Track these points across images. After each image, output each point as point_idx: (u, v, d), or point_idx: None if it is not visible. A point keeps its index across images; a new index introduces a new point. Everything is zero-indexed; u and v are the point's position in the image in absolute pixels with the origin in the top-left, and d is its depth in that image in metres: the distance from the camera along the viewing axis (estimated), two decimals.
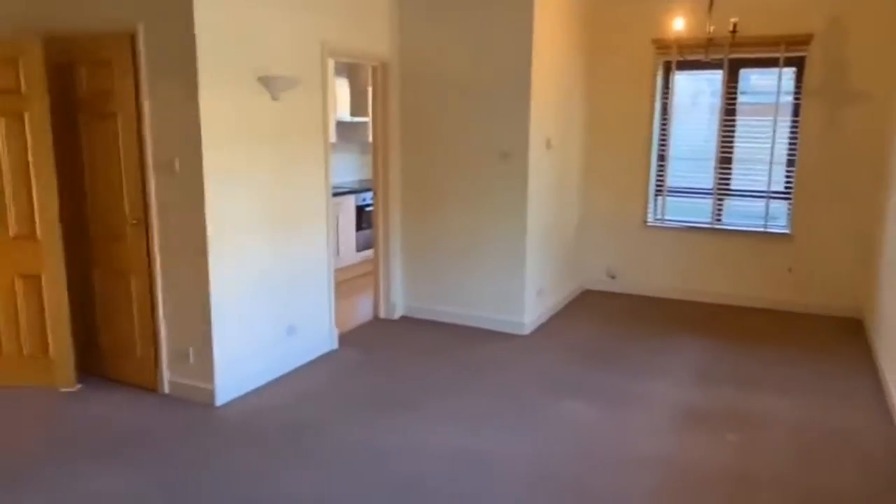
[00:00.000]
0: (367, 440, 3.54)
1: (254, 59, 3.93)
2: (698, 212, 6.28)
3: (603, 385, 4.30)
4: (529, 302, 5.29)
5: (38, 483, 3.09)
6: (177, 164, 3.75)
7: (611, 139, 6.34)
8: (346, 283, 6.45)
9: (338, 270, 5.57)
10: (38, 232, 3.95)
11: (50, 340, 4.08)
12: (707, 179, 6.18)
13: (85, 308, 4.23)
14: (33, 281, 4.02)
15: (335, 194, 5.47)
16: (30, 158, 3.88)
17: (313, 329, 4.69)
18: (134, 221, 3.95)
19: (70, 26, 3.92)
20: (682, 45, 5.13)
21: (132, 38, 3.72)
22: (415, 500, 3.00)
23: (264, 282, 4.21)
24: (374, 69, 5.28)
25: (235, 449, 3.44)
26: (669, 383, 4.33)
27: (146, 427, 3.67)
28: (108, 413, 3.84)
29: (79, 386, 4.14)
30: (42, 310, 4.05)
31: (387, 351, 4.90)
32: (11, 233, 3.97)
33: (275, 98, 4.07)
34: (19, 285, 4.05)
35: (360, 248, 7.02)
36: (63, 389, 4.10)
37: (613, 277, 6.56)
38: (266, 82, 3.99)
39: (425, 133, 5.33)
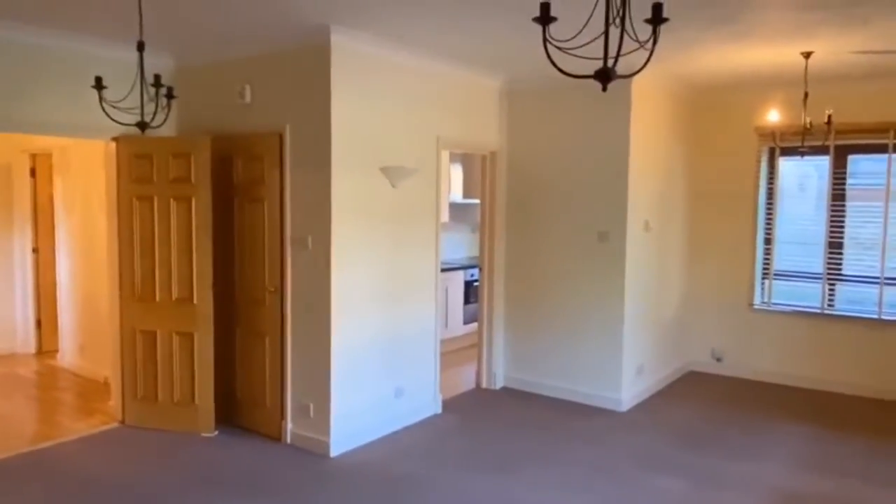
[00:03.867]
0: (461, 496, 3.83)
1: (377, 153, 4.56)
2: (807, 296, 6.19)
3: (696, 464, 4.35)
4: (627, 379, 5.43)
5: None
6: (310, 242, 4.38)
7: (715, 222, 6.46)
8: (452, 353, 6.84)
9: (445, 341, 5.98)
10: (195, 297, 4.68)
11: (196, 390, 4.74)
12: (816, 264, 6.12)
13: (226, 363, 4.88)
14: (187, 338, 4.73)
15: (445, 270, 5.96)
16: (193, 235, 4.66)
17: (419, 393, 5.09)
18: (272, 289, 4.59)
19: (232, 127, 4.74)
20: (783, 133, 5.30)
21: (281, 137, 4.46)
22: None
23: (378, 347, 4.69)
24: (484, 157, 5.82)
25: (344, 495, 3.85)
26: (768, 468, 4.31)
27: (271, 471, 4.16)
28: (240, 458, 4.38)
29: (216, 432, 4.74)
30: (192, 363, 4.73)
31: (487, 419, 5.20)
32: (174, 297, 4.73)
33: (394, 186, 4.66)
34: (176, 341, 4.76)
35: (466, 321, 7.42)
36: (203, 434, 4.71)
37: (719, 360, 6.52)
38: (387, 172, 4.60)
39: (528, 215, 5.76)
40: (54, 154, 6.28)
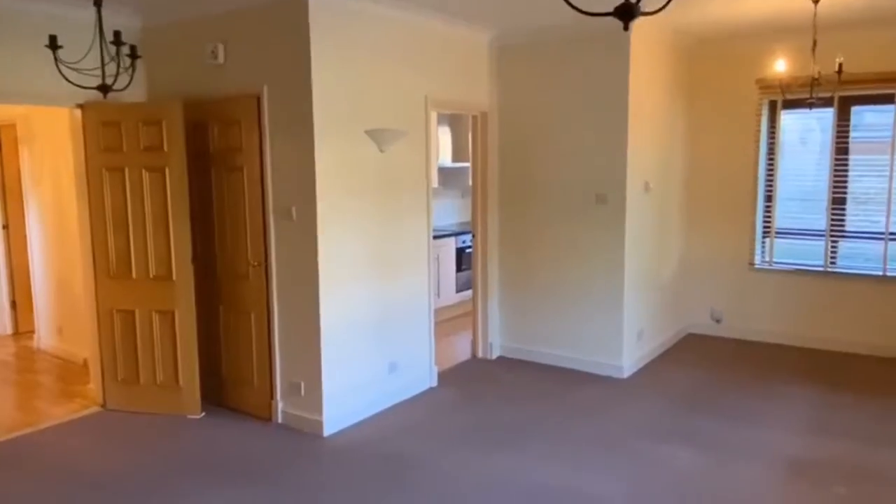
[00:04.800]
0: (463, 474, 3.66)
1: (363, 115, 4.27)
2: (810, 254, 6.02)
3: (703, 431, 4.20)
4: (628, 345, 5.25)
5: (166, 498, 3.43)
6: (294, 212, 4.11)
7: (714, 180, 6.24)
8: (446, 323, 6.64)
9: (438, 310, 5.76)
10: (174, 273, 4.41)
11: (180, 371, 4.50)
12: (819, 220, 5.93)
13: (210, 341, 4.65)
14: (168, 316, 4.48)
15: (436, 237, 5.71)
16: (168, 208, 4.37)
17: (414, 367, 4.89)
18: (255, 263, 4.34)
19: (206, 91, 4.42)
20: (787, 84, 5.03)
21: (258, 100, 4.16)
22: None
23: (369, 321, 4.47)
24: (475, 118, 5.53)
25: (341, 476, 3.67)
26: (775, 432, 4.17)
27: (262, 453, 3.96)
28: (229, 440, 4.17)
29: (202, 414, 4.53)
30: (174, 343, 4.49)
31: (484, 390, 5.02)
32: (151, 274, 4.46)
33: (381, 150, 4.38)
34: (156, 320, 4.51)
35: (459, 289, 7.22)
36: (189, 416, 4.50)
37: (718, 321, 6.38)
38: (373, 135, 4.31)
39: (523, 178, 5.50)
40: (18, 124, 5.92)
